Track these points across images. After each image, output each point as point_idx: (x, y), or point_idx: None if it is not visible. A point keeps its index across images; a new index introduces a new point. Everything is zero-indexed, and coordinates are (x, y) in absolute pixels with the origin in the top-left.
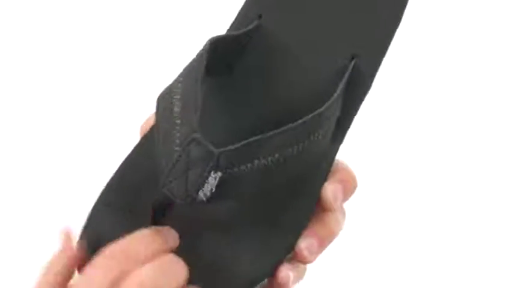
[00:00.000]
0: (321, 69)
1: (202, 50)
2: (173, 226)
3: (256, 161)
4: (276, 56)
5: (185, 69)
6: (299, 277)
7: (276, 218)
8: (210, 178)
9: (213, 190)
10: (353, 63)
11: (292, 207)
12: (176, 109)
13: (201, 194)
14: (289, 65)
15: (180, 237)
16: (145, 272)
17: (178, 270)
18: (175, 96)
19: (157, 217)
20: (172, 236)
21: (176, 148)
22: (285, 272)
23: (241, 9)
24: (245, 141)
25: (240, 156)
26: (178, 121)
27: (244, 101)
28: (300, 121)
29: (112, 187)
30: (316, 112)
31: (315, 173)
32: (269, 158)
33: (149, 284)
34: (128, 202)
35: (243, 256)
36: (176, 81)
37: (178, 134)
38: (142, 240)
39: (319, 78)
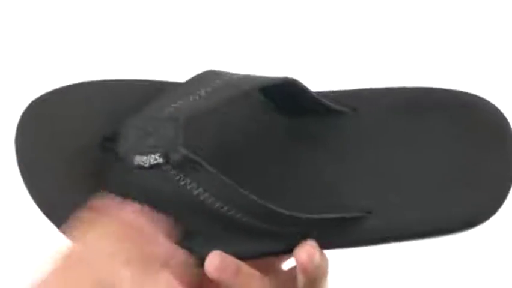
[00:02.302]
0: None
1: (274, 78)
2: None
3: (196, 188)
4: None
5: (244, 76)
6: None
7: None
8: (153, 156)
9: (146, 166)
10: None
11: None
12: (202, 90)
13: (137, 158)
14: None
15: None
16: None
17: None
18: (211, 83)
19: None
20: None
21: (162, 116)
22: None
23: (348, 91)
24: (227, 180)
25: (192, 172)
26: (191, 99)
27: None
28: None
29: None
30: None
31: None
32: (216, 206)
33: None
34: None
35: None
36: (228, 74)
37: (177, 107)
38: None
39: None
